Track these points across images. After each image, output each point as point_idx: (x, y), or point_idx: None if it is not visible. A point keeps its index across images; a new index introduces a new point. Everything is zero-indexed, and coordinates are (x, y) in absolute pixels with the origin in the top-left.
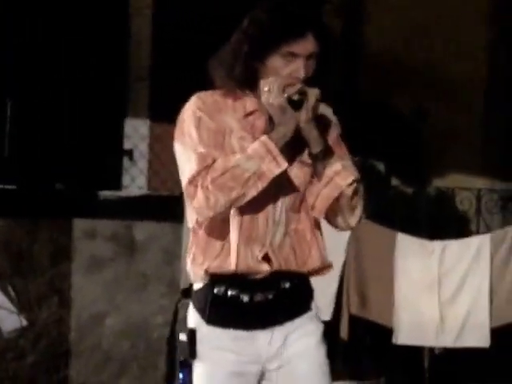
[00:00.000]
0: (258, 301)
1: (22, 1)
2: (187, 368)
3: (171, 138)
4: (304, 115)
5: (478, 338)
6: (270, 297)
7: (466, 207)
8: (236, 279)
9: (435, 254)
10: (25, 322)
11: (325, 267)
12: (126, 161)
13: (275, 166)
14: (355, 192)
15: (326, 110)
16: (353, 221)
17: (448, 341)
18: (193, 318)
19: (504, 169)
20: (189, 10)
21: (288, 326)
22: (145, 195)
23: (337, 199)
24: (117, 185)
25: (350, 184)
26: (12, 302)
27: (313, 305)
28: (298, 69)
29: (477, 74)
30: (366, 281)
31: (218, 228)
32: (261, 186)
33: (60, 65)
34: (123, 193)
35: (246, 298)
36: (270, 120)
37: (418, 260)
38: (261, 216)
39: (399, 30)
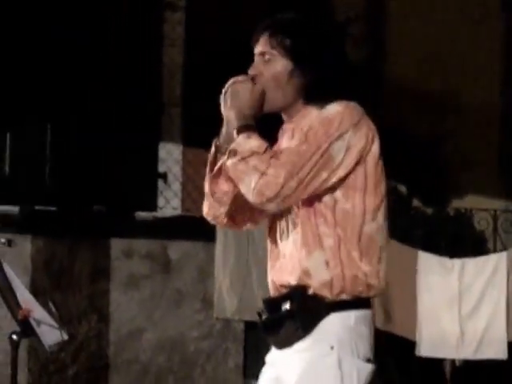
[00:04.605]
0: None
1: (65, 44)
2: None
3: (202, 163)
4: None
5: (496, 350)
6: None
7: (484, 227)
8: None
9: (455, 271)
10: (65, 337)
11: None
12: (160, 183)
13: None
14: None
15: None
16: (249, 196)
17: (468, 353)
18: None
19: None
20: (219, 41)
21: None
22: (179, 216)
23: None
24: (152, 206)
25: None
26: (53, 316)
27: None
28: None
29: (491, 101)
30: (390, 297)
31: None
32: None
33: (98, 91)
34: (158, 214)
35: None
36: None
37: (439, 277)
38: None
39: (418, 60)
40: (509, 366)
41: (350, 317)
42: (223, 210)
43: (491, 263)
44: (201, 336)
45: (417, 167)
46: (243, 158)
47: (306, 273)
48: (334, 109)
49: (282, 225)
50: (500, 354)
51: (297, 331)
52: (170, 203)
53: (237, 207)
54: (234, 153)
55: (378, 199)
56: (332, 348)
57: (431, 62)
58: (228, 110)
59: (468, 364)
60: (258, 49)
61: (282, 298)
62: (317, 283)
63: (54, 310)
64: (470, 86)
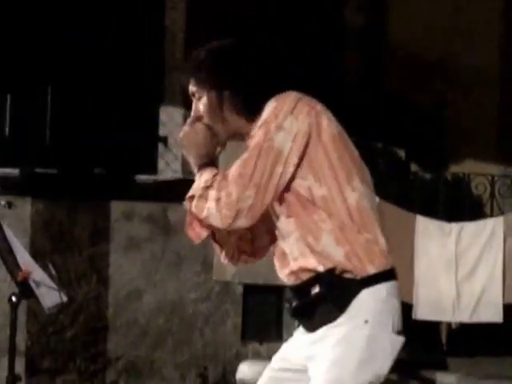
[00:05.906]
0: None
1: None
2: None
3: None
4: None
5: (492, 313)
6: None
7: (481, 192)
8: None
9: (452, 235)
10: (65, 299)
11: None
12: (161, 146)
13: None
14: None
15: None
16: (219, 226)
17: (464, 316)
18: None
19: None
20: (221, 4)
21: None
22: (179, 179)
23: None
24: (153, 169)
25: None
26: (52, 279)
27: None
28: None
29: (491, 66)
30: None
31: None
32: None
33: (100, 54)
34: (159, 177)
35: None
36: None
37: (437, 241)
38: None
39: (419, 25)
40: (504, 329)
41: (381, 290)
42: (231, 249)
43: (488, 227)
44: (200, 298)
45: (415, 132)
46: (200, 197)
47: (324, 256)
48: (267, 109)
49: (278, 229)
50: (496, 317)
51: (331, 312)
52: (170, 166)
53: (241, 238)
54: (192, 197)
55: (347, 169)
56: (366, 322)
57: (433, 28)
58: (188, 158)
59: (464, 327)
60: (190, 91)
61: (310, 283)
62: (337, 261)
63: (53, 271)
64: (470, 52)
